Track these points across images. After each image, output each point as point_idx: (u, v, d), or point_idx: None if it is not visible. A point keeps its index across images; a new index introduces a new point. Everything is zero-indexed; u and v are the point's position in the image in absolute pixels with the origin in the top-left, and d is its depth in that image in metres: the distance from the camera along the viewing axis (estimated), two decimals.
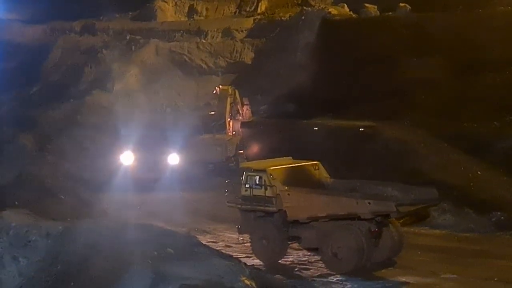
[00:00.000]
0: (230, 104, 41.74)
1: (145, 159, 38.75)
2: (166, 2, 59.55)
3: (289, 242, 25.14)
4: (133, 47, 56.97)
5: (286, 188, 24.19)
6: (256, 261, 24.38)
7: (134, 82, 54.15)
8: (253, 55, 54.36)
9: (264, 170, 24.69)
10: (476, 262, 24.07)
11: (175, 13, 59.80)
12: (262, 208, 24.70)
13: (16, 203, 27.91)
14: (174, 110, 52.27)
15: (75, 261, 19.21)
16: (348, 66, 44.64)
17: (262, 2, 57.32)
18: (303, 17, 52.66)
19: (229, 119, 41.37)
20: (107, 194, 34.40)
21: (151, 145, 38.98)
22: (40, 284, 19.29)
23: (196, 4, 59.04)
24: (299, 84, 46.58)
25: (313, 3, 55.18)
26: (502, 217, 28.54)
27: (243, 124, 42.59)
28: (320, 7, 53.20)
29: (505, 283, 21.87)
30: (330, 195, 24.02)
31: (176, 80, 55.05)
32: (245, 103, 43.43)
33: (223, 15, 58.94)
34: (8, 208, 23.59)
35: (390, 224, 24.15)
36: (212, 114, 42.38)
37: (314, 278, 23.14)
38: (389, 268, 23.86)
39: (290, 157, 26.76)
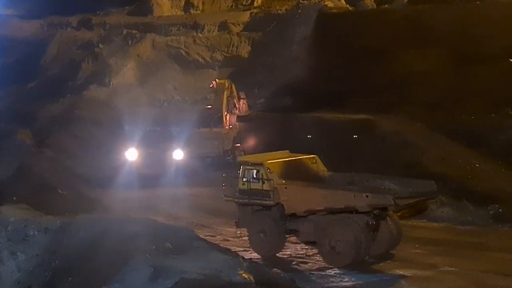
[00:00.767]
0: (227, 98, 41.71)
1: (150, 155, 38.56)
2: None
3: (287, 236, 25.16)
4: (130, 42, 56.93)
5: (283, 181, 24.19)
6: (254, 255, 24.37)
7: (131, 76, 54.15)
8: (249, 48, 54.32)
9: (261, 164, 24.69)
10: (474, 255, 24.08)
11: (171, 7, 59.75)
12: (259, 202, 24.72)
13: (15, 198, 27.91)
14: (171, 104, 52.31)
15: (74, 256, 19.24)
16: (345, 59, 44.60)
17: None
18: (299, 10, 52.64)
19: (226, 113, 41.33)
20: (109, 190, 34.39)
21: (155, 141, 38.86)
22: (39, 279, 19.33)
23: None
24: (295, 78, 46.62)
25: None
26: (500, 210, 28.57)
27: (240, 118, 42.58)
28: (316, 0, 53.10)
29: (503, 276, 21.89)
30: (328, 189, 24.02)
31: (173, 74, 55.03)
32: (242, 97, 43.42)
33: (219, 9, 58.89)
34: (7, 203, 23.63)
35: (388, 217, 24.16)
36: (209, 108, 42.35)
37: (312, 272, 23.17)
38: (387, 261, 23.88)
39: (287, 151, 26.74)
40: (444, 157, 32.95)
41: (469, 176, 31.20)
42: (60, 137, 43.38)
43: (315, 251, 24.66)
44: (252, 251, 24.91)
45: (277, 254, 24.93)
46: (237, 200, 25.38)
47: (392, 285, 21.67)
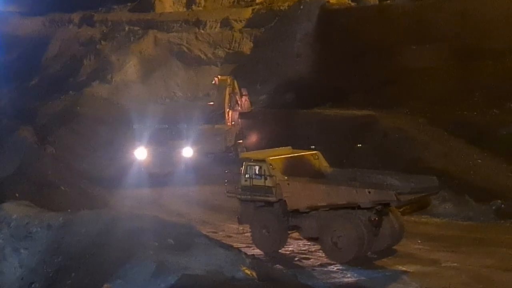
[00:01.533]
0: (229, 94, 41.67)
1: (159, 153, 38.26)
2: None
3: (289, 232, 25.15)
4: (131, 38, 56.95)
5: (285, 178, 24.19)
6: (256, 251, 24.40)
7: (133, 73, 54.17)
8: (251, 45, 54.31)
9: (263, 160, 24.69)
10: (476, 250, 24.07)
11: (173, 3, 59.79)
12: (262, 198, 24.72)
13: (17, 195, 27.94)
14: (173, 101, 52.33)
15: (76, 252, 19.26)
16: (347, 55, 44.60)
17: None
18: (301, 7, 52.59)
19: (228, 110, 41.30)
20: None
21: (164, 139, 38.50)
22: (42, 275, 19.35)
23: None
24: (298, 74, 46.64)
25: None
26: (502, 205, 28.55)
27: (242, 115, 42.53)
28: None
29: (505, 271, 21.89)
30: (330, 185, 23.99)
31: (175, 70, 55.05)
32: (244, 93, 43.35)
33: (221, 5, 58.87)
34: (9, 200, 23.65)
35: (390, 213, 24.15)
36: (211, 104, 42.33)
37: (315, 268, 23.16)
38: (390, 257, 23.87)
39: (290, 147, 26.75)
40: (446, 153, 32.94)
41: (471, 172, 31.19)
42: (62, 134, 43.44)
43: (317, 247, 24.67)
44: (255, 247, 24.91)
45: (280, 250, 24.92)
46: (239, 196, 25.40)
47: (395, 280, 21.65)
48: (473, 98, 36.87)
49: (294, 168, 24.94)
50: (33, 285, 19.26)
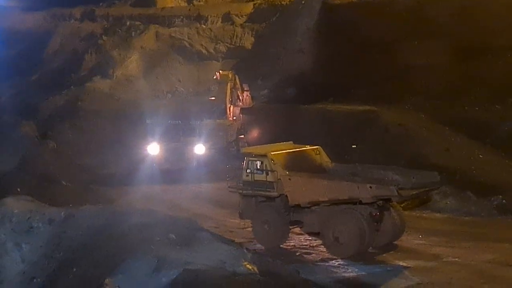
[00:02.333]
0: (231, 89, 41.67)
1: (172, 149, 38.07)
2: None
3: (291, 227, 25.18)
4: (133, 33, 56.99)
5: (287, 173, 24.20)
6: (258, 246, 24.43)
7: (134, 68, 54.20)
8: (253, 40, 54.32)
9: (265, 155, 24.69)
10: (477, 246, 24.08)
11: None
12: (263, 193, 24.73)
13: (18, 189, 28.01)
14: (174, 96, 52.34)
15: (78, 247, 19.27)
16: (349, 51, 44.55)
17: None
18: (303, 2, 52.59)
19: (229, 105, 41.31)
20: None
21: (176, 135, 38.20)
22: (43, 270, 19.36)
23: None
24: (299, 69, 46.60)
25: None
26: (503, 201, 28.56)
27: (244, 110, 42.56)
28: None
29: (506, 266, 21.91)
30: (331, 180, 24.02)
31: (176, 65, 55.08)
32: (245, 89, 43.35)
33: (222, 0, 58.82)
34: (11, 195, 23.67)
35: (391, 208, 24.16)
36: (213, 99, 42.34)
37: (316, 263, 23.17)
38: (391, 252, 23.89)
39: (291, 142, 26.75)
40: (447, 148, 32.94)
41: (473, 167, 31.19)
42: (63, 129, 43.48)
43: (319, 242, 24.68)
44: (256, 242, 24.95)
45: (281, 245, 24.95)
46: (241, 191, 25.41)
47: (396, 276, 21.66)
48: (475, 93, 36.83)
49: (295, 163, 24.94)
50: (34, 280, 19.27)
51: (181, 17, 57.39)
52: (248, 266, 17.46)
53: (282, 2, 54.65)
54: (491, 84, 37.02)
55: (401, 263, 22.70)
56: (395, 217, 24.26)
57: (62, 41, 60.28)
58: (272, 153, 24.82)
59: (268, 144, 27.78)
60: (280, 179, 24.15)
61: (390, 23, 44.60)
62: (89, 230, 19.60)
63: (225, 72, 43.33)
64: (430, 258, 23.06)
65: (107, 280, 16.67)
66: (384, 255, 23.65)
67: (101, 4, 61.82)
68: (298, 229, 25.54)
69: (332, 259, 23.30)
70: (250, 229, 25.62)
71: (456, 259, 22.75)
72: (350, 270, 22.30)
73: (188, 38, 55.78)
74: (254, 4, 56.09)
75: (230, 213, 28.40)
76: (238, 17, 55.69)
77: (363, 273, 22.05)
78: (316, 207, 24.05)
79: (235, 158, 34.81)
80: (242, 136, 40.93)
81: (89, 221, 20.00)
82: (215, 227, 26.54)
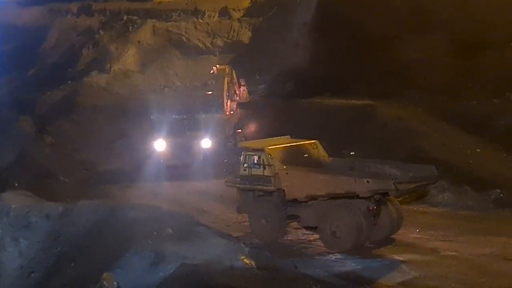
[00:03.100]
0: (228, 83, 41.66)
1: (178, 144, 37.42)
2: None
3: (288, 221, 25.15)
4: (130, 28, 56.96)
5: (284, 167, 24.18)
6: (255, 240, 24.41)
7: (131, 62, 54.18)
8: (250, 34, 54.33)
9: (262, 150, 24.67)
10: (475, 240, 24.07)
11: None
12: (260, 187, 24.70)
13: (16, 184, 28.02)
14: (171, 90, 52.33)
15: (76, 241, 19.30)
16: (347, 45, 44.45)
17: None
18: None
19: (226, 99, 41.29)
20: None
21: (182, 130, 37.78)
22: (41, 264, 19.40)
23: None
24: (296, 63, 46.51)
25: None
26: (501, 195, 28.53)
27: (241, 105, 42.55)
28: None
29: (504, 260, 21.93)
30: (329, 174, 24.02)
31: (174, 60, 55.06)
32: (242, 84, 43.35)
33: None
34: (8, 190, 23.71)
35: (388, 202, 24.15)
36: (210, 94, 42.32)
37: (313, 257, 23.17)
38: (388, 246, 23.88)
39: (288, 136, 26.73)
40: (445, 143, 32.91)
41: (470, 161, 31.17)
42: (61, 124, 43.45)
43: (316, 236, 24.68)
44: (254, 236, 24.95)
45: (278, 240, 24.96)
46: (238, 185, 25.42)
47: (393, 269, 21.68)
48: (473, 88, 36.79)
49: (292, 158, 24.93)
50: (32, 275, 19.31)
51: (178, 11, 57.36)
52: (245, 260, 17.49)
53: None
54: (490, 78, 36.97)
55: (398, 257, 22.70)
56: (392, 211, 24.26)
57: (59, 36, 60.21)
58: (269, 147, 24.80)
59: (266, 139, 27.76)
60: (277, 173, 24.13)
61: (388, 17, 44.44)
62: (86, 225, 19.63)
63: (222, 67, 43.31)
64: (427, 252, 23.07)
65: (105, 275, 16.69)
66: (381, 249, 23.64)
67: None
68: (296, 223, 25.55)
69: (329, 253, 23.30)
70: (247, 223, 25.62)
71: (453, 253, 22.75)
72: (347, 264, 22.31)
73: (185, 33, 55.76)
74: None
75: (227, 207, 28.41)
76: (235, 11, 55.70)
77: (360, 267, 22.05)
78: (313, 201, 24.03)
79: (233, 152, 34.75)
80: (239, 130, 40.90)
81: (87, 216, 20.03)
82: (213, 221, 26.58)
